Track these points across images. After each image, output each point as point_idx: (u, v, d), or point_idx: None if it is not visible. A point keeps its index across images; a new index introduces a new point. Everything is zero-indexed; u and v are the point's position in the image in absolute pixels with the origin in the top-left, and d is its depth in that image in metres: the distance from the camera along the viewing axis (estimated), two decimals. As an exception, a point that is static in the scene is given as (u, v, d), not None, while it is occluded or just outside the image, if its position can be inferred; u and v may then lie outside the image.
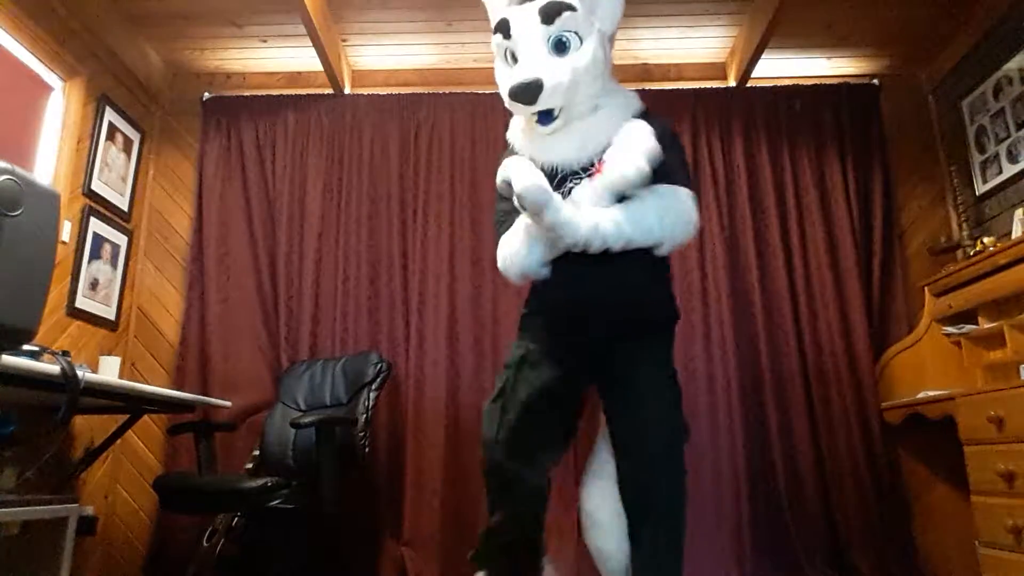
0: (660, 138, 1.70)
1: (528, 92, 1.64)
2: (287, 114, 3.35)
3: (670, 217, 1.67)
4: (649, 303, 1.81)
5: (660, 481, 1.68)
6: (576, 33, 1.71)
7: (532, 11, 1.71)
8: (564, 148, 1.74)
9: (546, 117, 1.70)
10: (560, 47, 1.71)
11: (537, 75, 1.64)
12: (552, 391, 1.75)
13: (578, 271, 1.69)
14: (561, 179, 1.74)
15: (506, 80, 1.73)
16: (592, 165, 1.72)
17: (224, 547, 2.66)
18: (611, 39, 1.84)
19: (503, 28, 1.74)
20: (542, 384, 1.73)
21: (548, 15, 1.69)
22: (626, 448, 1.72)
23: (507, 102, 1.73)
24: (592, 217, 1.61)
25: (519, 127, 1.86)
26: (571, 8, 1.70)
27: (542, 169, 1.72)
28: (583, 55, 1.71)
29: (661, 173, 1.66)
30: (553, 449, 1.83)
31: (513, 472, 1.73)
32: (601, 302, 1.72)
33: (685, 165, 1.86)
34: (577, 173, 1.73)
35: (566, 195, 1.71)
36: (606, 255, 1.65)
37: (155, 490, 2.43)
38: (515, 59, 1.75)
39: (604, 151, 1.71)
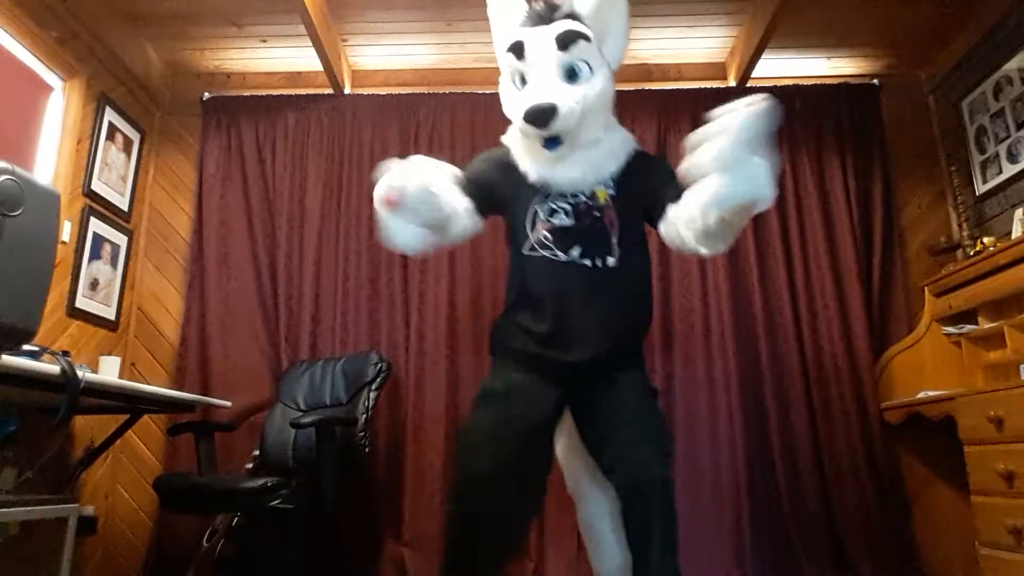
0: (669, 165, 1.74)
1: (543, 116, 1.64)
2: (287, 114, 3.35)
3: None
4: (637, 328, 1.82)
5: (657, 491, 1.59)
6: (588, 63, 1.73)
7: (548, 36, 1.71)
8: (565, 173, 1.75)
9: (554, 142, 1.70)
10: (572, 75, 1.72)
11: (552, 100, 1.65)
12: (540, 428, 1.70)
13: (564, 294, 1.68)
14: (546, 196, 1.76)
15: (517, 102, 1.73)
16: (585, 195, 1.74)
17: (224, 547, 2.66)
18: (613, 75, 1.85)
19: (517, 49, 1.74)
20: (532, 420, 1.68)
21: (564, 42, 1.70)
22: (612, 467, 1.65)
23: (518, 123, 1.73)
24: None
25: (521, 144, 1.84)
26: (586, 38, 1.71)
27: (536, 185, 1.76)
28: (594, 85, 1.72)
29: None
30: (537, 491, 1.77)
31: (497, 516, 1.63)
32: (591, 332, 1.69)
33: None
34: (565, 196, 1.75)
35: (546, 214, 1.73)
36: (596, 278, 1.67)
37: (155, 490, 2.43)
38: (523, 81, 1.75)
39: (602, 183, 1.75)
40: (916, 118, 3.38)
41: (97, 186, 2.96)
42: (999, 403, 2.14)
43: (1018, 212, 2.68)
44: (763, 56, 3.12)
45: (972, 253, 2.75)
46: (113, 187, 3.09)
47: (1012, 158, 2.85)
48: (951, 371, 2.77)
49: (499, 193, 1.82)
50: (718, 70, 3.44)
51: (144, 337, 3.22)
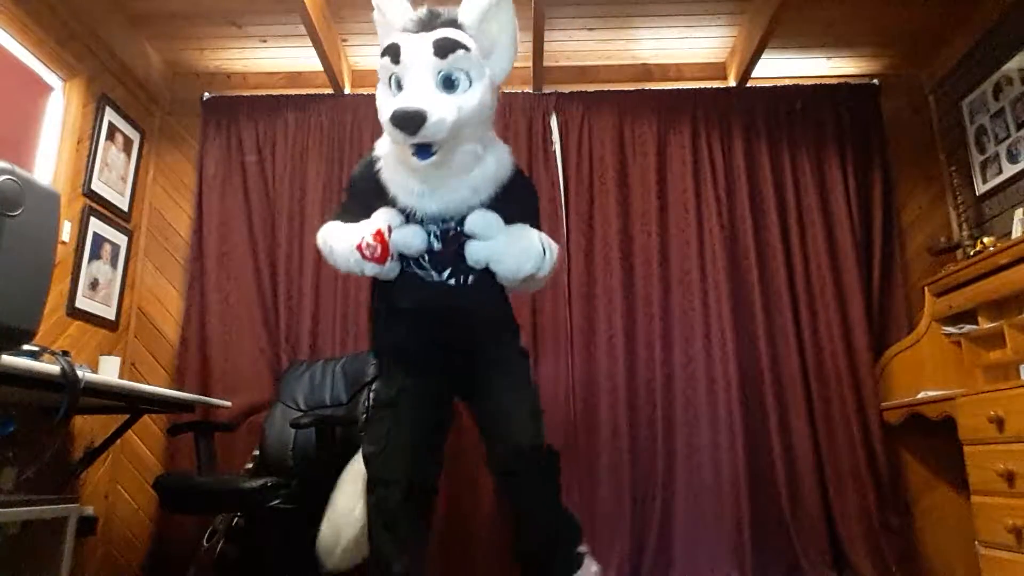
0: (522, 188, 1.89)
1: (411, 122, 1.60)
2: (287, 114, 3.35)
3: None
4: (494, 319, 1.93)
5: (530, 444, 1.80)
6: (467, 73, 1.70)
7: (426, 42, 1.68)
8: (444, 198, 1.76)
9: (425, 151, 1.66)
10: (449, 84, 1.69)
11: (421, 106, 1.61)
12: (434, 419, 1.89)
13: (428, 308, 1.81)
14: (418, 221, 1.79)
15: (388, 105, 1.69)
16: (455, 221, 1.79)
17: (224, 547, 2.66)
18: (497, 90, 1.85)
19: (393, 53, 1.71)
20: (425, 416, 1.86)
21: (442, 49, 1.67)
22: (495, 425, 1.85)
23: (386, 127, 1.71)
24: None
25: (392, 154, 1.83)
26: (465, 48, 1.68)
27: (404, 209, 1.79)
28: (471, 97, 1.69)
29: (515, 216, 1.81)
30: (437, 463, 1.94)
31: (412, 513, 1.82)
32: (463, 316, 1.83)
33: (537, 212, 1.98)
34: (435, 222, 1.78)
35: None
36: (457, 293, 1.78)
37: (155, 490, 2.43)
38: (399, 86, 1.72)
39: (476, 208, 1.78)
40: (916, 118, 3.38)
41: (97, 186, 2.96)
42: (999, 403, 2.14)
43: (1018, 212, 2.68)
44: (763, 56, 3.12)
45: (972, 253, 2.75)
46: (113, 187, 3.09)
47: (1012, 158, 2.85)
48: (951, 371, 2.76)
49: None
50: (718, 70, 3.44)
51: (144, 337, 3.22)
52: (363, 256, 1.69)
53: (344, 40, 3.27)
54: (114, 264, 3.09)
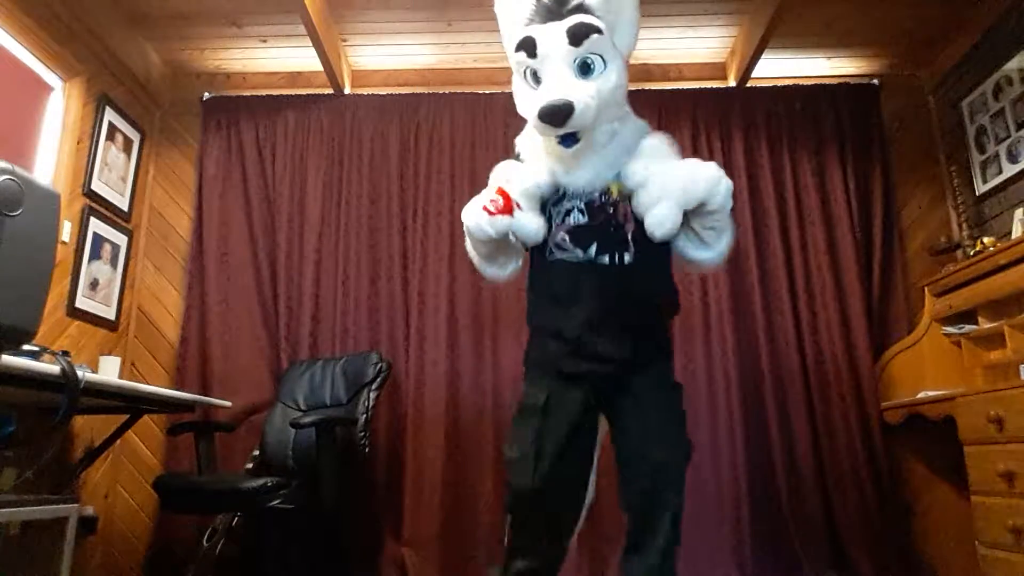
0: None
1: (559, 114, 1.61)
2: (287, 114, 3.36)
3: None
4: (656, 325, 1.81)
5: (665, 490, 1.69)
6: (601, 56, 1.70)
7: (560, 31, 1.67)
8: (579, 174, 1.74)
9: (570, 139, 1.67)
10: (586, 69, 1.69)
11: (568, 97, 1.61)
12: (578, 433, 1.73)
13: (584, 295, 1.68)
14: (561, 197, 1.76)
15: (531, 100, 1.69)
16: (599, 192, 1.73)
17: (224, 547, 2.66)
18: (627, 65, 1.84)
19: (528, 47, 1.70)
20: (569, 428, 1.71)
21: (577, 36, 1.66)
22: (629, 460, 1.73)
23: (533, 122, 1.70)
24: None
25: (536, 143, 1.83)
26: (599, 31, 1.68)
27: (553, 187, 1.76)
28: (608, 78, 1.70)
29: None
30: (581, 499, 1.81)
31: (549, 521, 1.72)
32: (614, 332, 1.69)
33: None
34: (579, 196, 1.74)
35: (562, 216, 1.74)
36: (615, 276, 1.67)
37: (155, 490, 2.43)
38: (536, 79, 1.72)
39: (616, 178, 1.73)
40: (916, 118, 3.38)
41: (97, 186, 2.96)
42: (999, 403, 2.14)
43: (1018, 212, 2.68)
44: (763, 56, 3.12)
45: (972, 253, 2.75)
46: (113, 187, 3.09)
47: (1012, 158, 2.85)
48: (951, 371, 2.76)
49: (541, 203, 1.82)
50: (718, 70, 3.44)
51: (144, 337, 3.22)
52: (489, 213, 1.62)
53: (344, 40, 3.27)
54: (114, 264, 3.09)
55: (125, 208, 3.17)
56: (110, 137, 3.06)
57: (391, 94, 3.38)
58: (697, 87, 3.38)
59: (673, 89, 3.37)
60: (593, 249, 1.69)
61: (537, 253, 1.80)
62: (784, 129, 3.27)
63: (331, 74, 3.22)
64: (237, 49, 3.33)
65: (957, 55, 3.17)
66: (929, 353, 2.83)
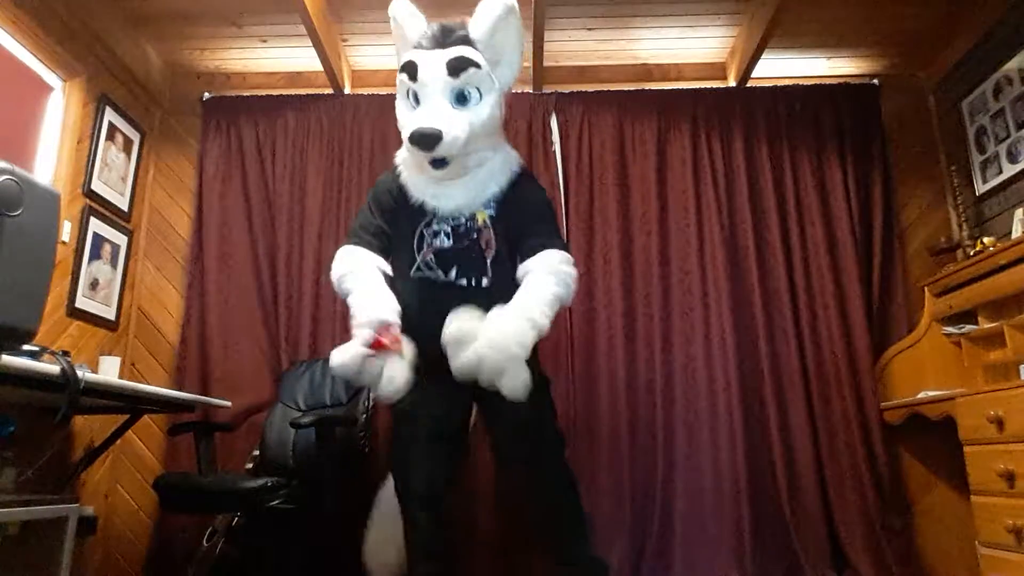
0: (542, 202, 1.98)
1: (427, 141, 1.76)
2: (287, 114, 3.35)
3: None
4: None
5: (542, 452, 1.90)
6: (478, 88, 1.84)
7: (440, 61, 1.81)
8: (448, 198, 1.89)
9: (440, 163, 1.82)
10: (462, 99, 1.83)
11: (438, 126, 1.76)
12: (449, 426, 1.93)
13: (440, 313, 1.75)
14: (431, 219, 1.90)
15: (408, 121, 1.85)
16: (465, 217, 1.89)
17: (224, 547, 2.66)
18: (505, 98, 1.97)
19: (410, 70, 1.86)
20: (439, 425, 1.90)
21: (455, 69, 1.80)
22: (505, 445, 1.94)
23: (405, 143, 1.86)
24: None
25: (411, 161, 1.97)
26: (477, 66, 1.82)
27: (423, 209, 1.91)
28: (481, 111, 1.84)
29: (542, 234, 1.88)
30: (452, 476, 2.02)
31: (434, 516, 1.91)
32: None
33: (549, 205, 2.04)
34: (447, 219, 1.88)
35: (430, 238, 1.88)
36: (470, 298, 1.77)
37: (155, 490, 2.43)
38: (416, 100, 1.87)
39: (482, 205, 1.89)
40: (916, 118, 3.38)
41: (97, 186, 2.96)
42: (999, 403, 2.14)
43: (1018, 212, 2.68)
44: (763, 56, 3.12)
45: (972, 253, 2.75)
46: (113, 187, 3.09)
47: (1012, 158, 2.85)
48: (951, 371, 2.76)
49: (395, 226, 1.96)
50: (718, 70, 3.44)
51: (144, 337, 3.22)
52: (378, 348, 1.73)
53: (344, 40, 3.27)
54: (114, 264, 3.09)
55: (125, 208, 3.17)
56: (110, 137, 3.06)
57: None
58: (697, 87, 3.37)
59: (673, 89, 3.37)
60: (454, 272, 1.85)
61: (398, 269, 1.94)
62: (784, 129, 3.27)
63: (331, 74, 3.22)
64: (237, 49, 3.33)
65: (957, 55, 3.17)
66: (929, 353, 2.84)
